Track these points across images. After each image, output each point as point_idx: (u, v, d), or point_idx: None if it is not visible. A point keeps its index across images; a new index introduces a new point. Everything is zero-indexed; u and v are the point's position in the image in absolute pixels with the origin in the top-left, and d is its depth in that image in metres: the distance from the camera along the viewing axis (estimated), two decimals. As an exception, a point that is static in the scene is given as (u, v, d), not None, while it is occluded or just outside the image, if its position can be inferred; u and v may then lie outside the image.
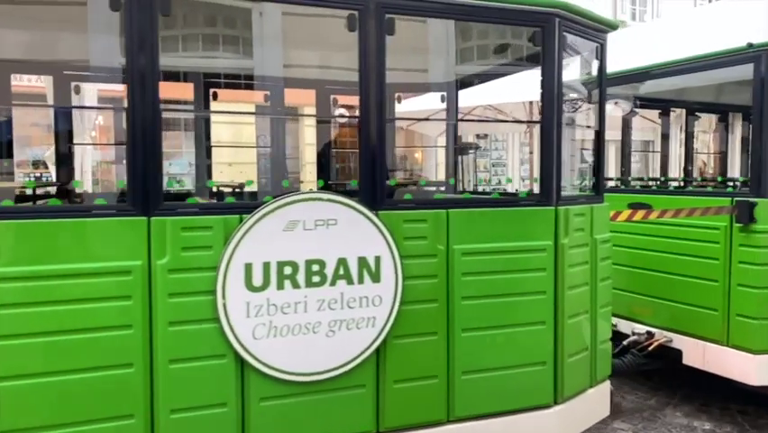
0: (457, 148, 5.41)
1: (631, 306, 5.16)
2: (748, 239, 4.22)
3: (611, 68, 5.34)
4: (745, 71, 4.32)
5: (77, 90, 5.03)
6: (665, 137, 6.68)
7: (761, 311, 4.19)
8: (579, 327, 3.44)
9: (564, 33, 3.28)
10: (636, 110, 5.43)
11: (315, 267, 2.73)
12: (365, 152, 2.88)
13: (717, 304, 4.43)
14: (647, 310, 5.02)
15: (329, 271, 2.76)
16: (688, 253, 4.64)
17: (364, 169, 2.88)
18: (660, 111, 6.58)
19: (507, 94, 7.91)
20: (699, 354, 4.59)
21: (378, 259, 2.83)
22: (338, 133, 5.97)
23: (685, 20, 5.28)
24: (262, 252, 2.64)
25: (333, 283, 2.77)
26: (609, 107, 5.74)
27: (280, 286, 2.67)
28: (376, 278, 2.83)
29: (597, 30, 3.55)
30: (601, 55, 3.64)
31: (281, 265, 2.67)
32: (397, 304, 2.88)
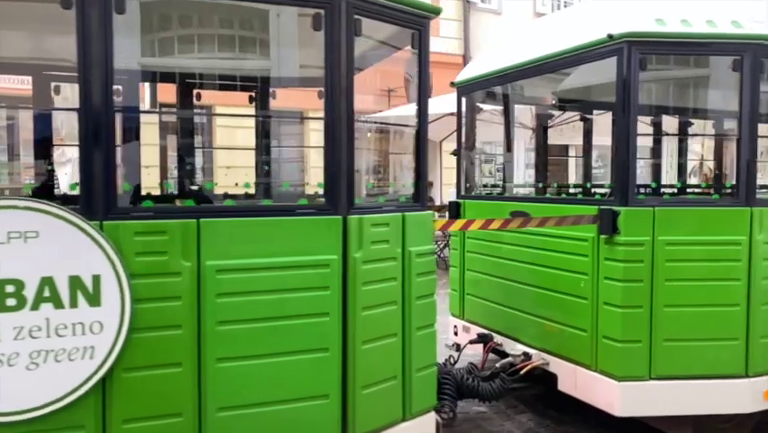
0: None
1: (511, 324, 4.73)
2: (612, 252, 3.80)
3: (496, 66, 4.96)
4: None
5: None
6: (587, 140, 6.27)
7: (624, 333, 3.76)
8: (380, 353, 3.00)
9: (357, 17, 2.86)
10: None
11: (10, 288, 2.30)
12: (85, 151, 2.46)
13: (586, 324, 4.00)
14: (526, 329, 4.59)
15: (29, 292, 2.32)
16: (559, 266, 4.21)
17: (84, 170, 2.45)
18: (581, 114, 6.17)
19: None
20: (572, 380, 4.15)
21: (97, 279, 2.40)
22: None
23: (564, 15, 4.86)
24: (-65, 270, 2.22)
25: (35, 307, 2.33)
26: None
27: (-39, 310, 2.25)
28: (94, 301, 2.40)
29: (410, 14, 3.13)
30: (420, 44, 3.22)
31: (-38, 286, 2.25)
32: (124, 331, 2.44)
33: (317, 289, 2.77)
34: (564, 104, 5.62)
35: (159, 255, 2.51)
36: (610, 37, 3.75)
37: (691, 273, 3.75)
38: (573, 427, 4.52)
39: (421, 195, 3.25)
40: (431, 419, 3.30)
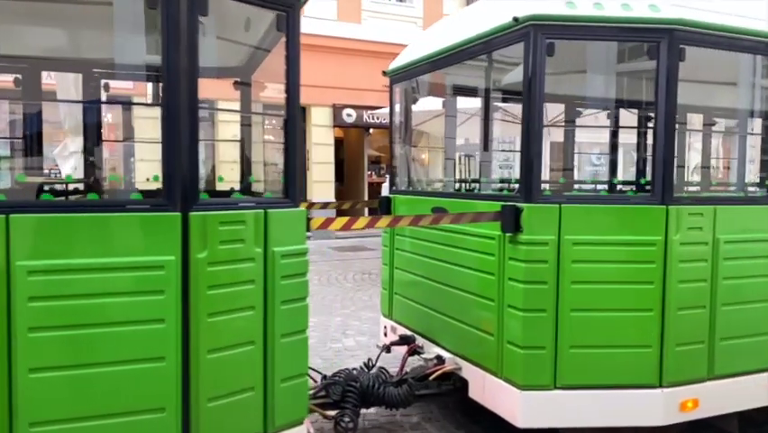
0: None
1: (430, 325, 4.49)
2: (515, 251, 3.54)
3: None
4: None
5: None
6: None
7: (526, 338, 3.50)
8: (233, 363, 2.76)
9: (202, -5, 2.61)
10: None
11: None
12: None
13: (493, 328, 3.75)
14: (442, 331, 4.35)
15: None
16: (470, 265, 3.96)
17: None
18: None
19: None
20: (481, 387, 3.91)
21: None
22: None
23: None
24: None
25: None
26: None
27: None
28: None
29: (275, -6, 2.87)
30: (288, 27, 2.95)
31: None
32: None
33: (149, 293, 2.52)
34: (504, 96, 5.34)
35: (-44, 255, 2.28)
36: (516, 20, 3.48)
37: (600, 275, 3.49)
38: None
39: (291, 190, 3.00)
40: (300, 432, 3.06)
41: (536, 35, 3.44)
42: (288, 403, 2.98)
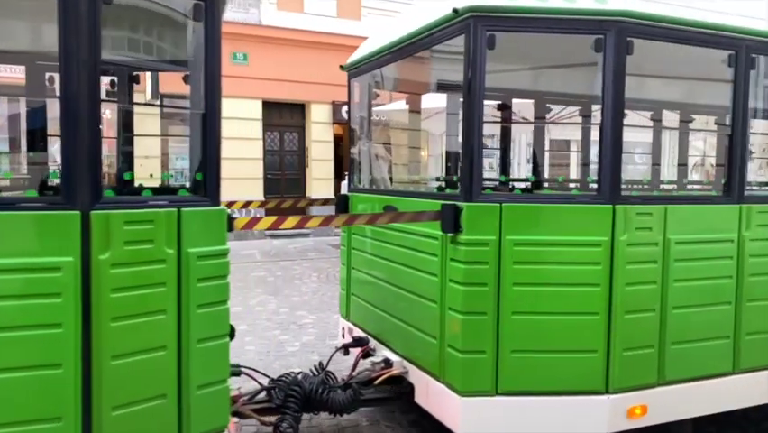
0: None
1: (381, 327, 4.37)
2: (455, 252, 3.41)
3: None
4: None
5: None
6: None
7: (466, 342, 3.37)
8: (141, 369, 2.62)
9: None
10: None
11: None
12: None
13: (436, 331, 3.62)
14: (391, 334, 4.22)
15: None
16: (415, 266, 3.83)
17: None
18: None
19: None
20: (425, 391, 3.78)
21: None
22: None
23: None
24: None
25: None
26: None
27: None
28: None
29: (191, -19, 2.74)
30: (207, 16, 2.81)
31: None
32: None
33: (44, 296, 2.38)
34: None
35: None
36: (455, 12, 3.34)
37: (543, 277, 3.36)
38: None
39: (209, 187, 2.86)
40: (221, 440, 2.93)
41: (476, 27, 3.30)
42: (206, 411, 2.85)
